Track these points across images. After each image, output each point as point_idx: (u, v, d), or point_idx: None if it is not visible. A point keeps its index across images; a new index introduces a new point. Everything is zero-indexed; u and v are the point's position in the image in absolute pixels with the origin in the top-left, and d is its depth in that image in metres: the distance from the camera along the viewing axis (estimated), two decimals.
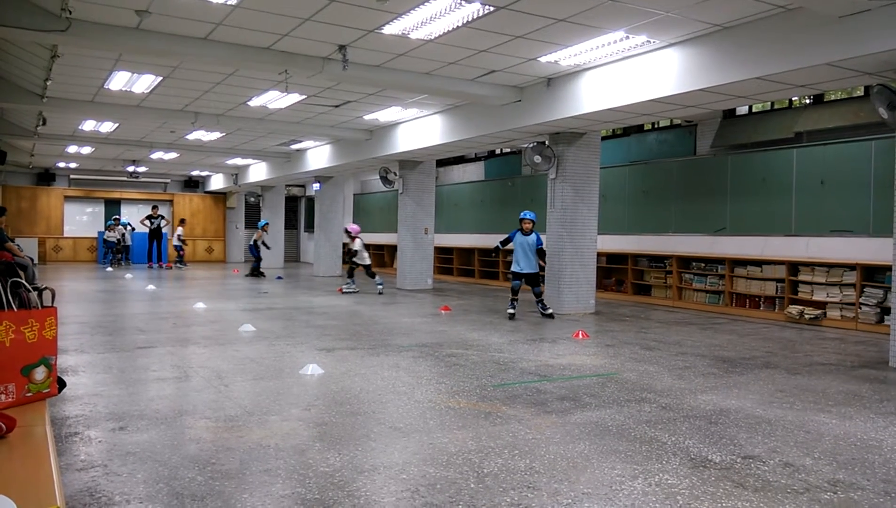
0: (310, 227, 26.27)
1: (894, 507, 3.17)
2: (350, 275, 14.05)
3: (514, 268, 10.23)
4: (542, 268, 10.19)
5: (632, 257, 13.09)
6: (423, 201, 15.34)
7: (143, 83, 10.72)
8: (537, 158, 10.89)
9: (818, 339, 8.53)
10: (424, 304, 12.04)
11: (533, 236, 10.06)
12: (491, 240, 16.99)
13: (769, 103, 12.47)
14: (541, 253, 10.09)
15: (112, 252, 22.29)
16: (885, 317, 8.98)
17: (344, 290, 13.77)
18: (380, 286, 13.86)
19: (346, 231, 14.21)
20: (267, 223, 19.75)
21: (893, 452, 3.98)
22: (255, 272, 18.26)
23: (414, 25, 7.50)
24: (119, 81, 10.55)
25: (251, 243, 18.86)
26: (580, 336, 8.28)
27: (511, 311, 10.03)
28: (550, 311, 10.10)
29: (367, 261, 13.95)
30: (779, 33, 6.84)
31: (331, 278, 18.12)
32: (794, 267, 10.31)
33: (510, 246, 10.55)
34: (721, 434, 4.28)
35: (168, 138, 16.78)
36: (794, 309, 10.08)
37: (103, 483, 3.33)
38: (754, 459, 3.82)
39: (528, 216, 10.14)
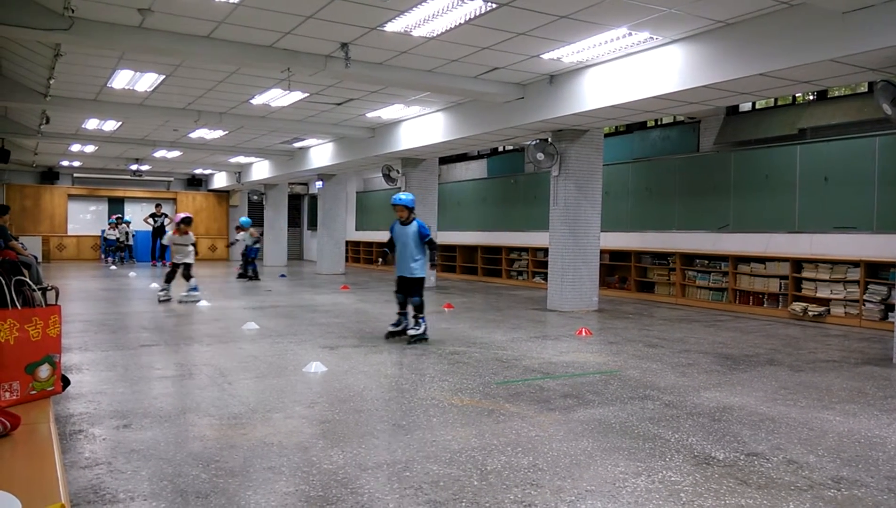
0: (313, 225, 26.30)
1: None
2: (169, 279, 11.45)
3: (396, 272, 7.77)
4: (433, 266, 7.66)
5: (635, 254, 13.07)
6: (425, 198, 15.32)
7: (146, 82, 10.73)
8: (540, 156, 10.88)
9: (822, 336, 8.51)
10: (427, 302, 12.01)
11: (414, 226, 7.51)
12: (494, 238, 17.01)
13: (772, 100, 12.44)
14: (430, 245, 7.56)
15: (113, 251, 22.35)
16: (889, 314, 8.96)
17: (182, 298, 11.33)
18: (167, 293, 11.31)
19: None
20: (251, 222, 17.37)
21: None
22: (250, 274, 16.45)
23: (416, 23, 7.50)
24: (122, 79, 10.55)
25: (248, 244, 16.61)
26: (583, 334, 8.28)
27: (393, 328, 7.67)
28: (421, 332, 7.52)
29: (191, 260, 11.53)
30: (782, 29, 6.82)
31: (334, 276, 18.13)
32: (797, 264, 10.29)
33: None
34: (724, 432, 4.28)
35: (171, 137, 16.79)
36: (797, 306, 10.06)
37: (107, 480, 3.34)
38: (758, 456, 3.81)
39: (400, 201, 7.53)
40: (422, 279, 7.55)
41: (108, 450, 3.78)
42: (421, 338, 7.46)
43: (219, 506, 3.05)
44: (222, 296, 12.62)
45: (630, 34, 7.75)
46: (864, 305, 9.33)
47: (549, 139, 11.09)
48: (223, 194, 27.24)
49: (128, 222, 23.26)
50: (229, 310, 10.38)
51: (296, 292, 13.79)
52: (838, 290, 9.72)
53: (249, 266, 16.67)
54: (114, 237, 22.43)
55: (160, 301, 11.11)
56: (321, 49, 8.58)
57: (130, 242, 22.99)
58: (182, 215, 11.97)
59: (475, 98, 11.09)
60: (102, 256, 22.78)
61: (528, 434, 4.16)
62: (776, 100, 12.47)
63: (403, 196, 7.55)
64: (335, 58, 8.74)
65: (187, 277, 11.36)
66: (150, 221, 21.96)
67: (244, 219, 17.23)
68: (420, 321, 7.53)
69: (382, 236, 22.78)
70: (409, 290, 7.54)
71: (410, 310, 7.61)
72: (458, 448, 3.88)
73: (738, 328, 9.08)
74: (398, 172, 15.52)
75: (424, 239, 7.47)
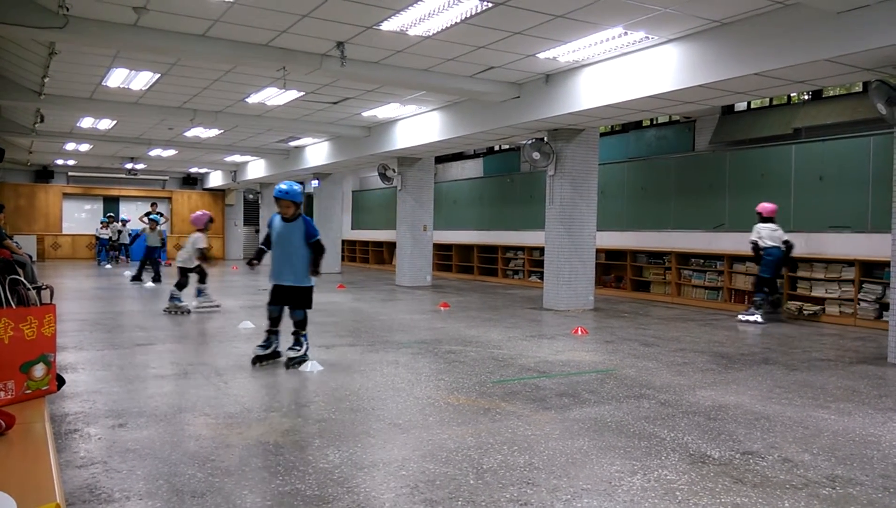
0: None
1: (893, 502, 3.18)
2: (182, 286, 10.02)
3: (270, 279, 6.23)
4: (315, 272, 6.14)
5: (631, 253, 13.09)
6: (421, 197, 15.34)
7: (141, 80, 10.70)
8: (536, 155, 10.89)
9: (817, 335, 8.54)
10: (423, 301, 12.05)
11: (300, 224, 6.10)
12: (490, 237, 17.02)
13: (768, 99, 12.47)
14: (315, 248, 6.12)
15: (106, 250, 22.30)
16: (884, 313, 8.99)
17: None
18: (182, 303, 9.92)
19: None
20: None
21: (892, 447, 3.99)
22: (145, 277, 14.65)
23: (412, 22, 7.49)
24: (117, 77, 10.53)
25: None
26: (579, 333, 8.29)
27: (261, 351, 6.20)
28: (302, 353, 6.14)
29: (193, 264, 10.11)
30: (777, 29, 6.83)
31: (330, 275, 18.11)
32: (792, 263, 10.31)
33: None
34: (720, 430, 4.29)
35: (166, 135, 16.75)
36: (792, 305, 10.09)
37: (103, 479, 3.33)
38: (753, 455, 3.82)
39: (285, 194, 6.02)
40: (310, 290, 6.19)
41: (104, 449, 3.77)
42: (302, 360, 6.08)
43: (214, 505, 3.04)
44: (217, 295, 12.60)
45: (625, 34, 7.76)
46: (859, 304, 9.36)
47: (545, 138, 11.10)
48: (218, 193, 27.20)
49: (124, 222, 23.18)
50: (224, 309, 10.36)
51: None
52: (833, 289, 9.75)
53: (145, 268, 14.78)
54: (106, 236, 22.36)
55: (181, 313, 9.67)
56: (317, 48, 8.57)
57: (126, 240, 22.92)
58: (202, 212, 10.29)
59: (471, 97, 11.08)
60: (98, 259, 22.70)
61: (525, 433, 4.16)
62: (771, 100, 12.51)
63: (285, 186, 6.05)
64: (331, 57, 8.73)
65: (202, 280, 10.16)
66: (146, 220, 21.90)
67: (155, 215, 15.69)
68: (301, 339, 6.17)
69: (379, 235, 22.83)
70: (293, 302, 6.14)
71: (282, 326, 6.27)
72: (454, 446, 3.89)
73: (733, 327, 9.10)
74: (394, 171, 15.51)
75: (311, 240, 6.07)
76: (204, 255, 9.84)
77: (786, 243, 9.63)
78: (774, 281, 9.83)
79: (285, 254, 6.09)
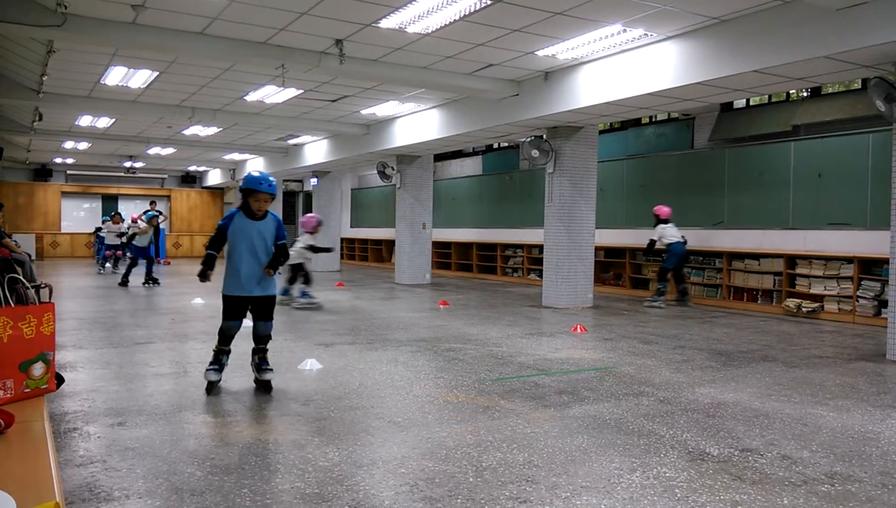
0: None
1: (892, 499, 3.18)
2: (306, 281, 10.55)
3: (230, 290, 5.15)
4: (272, 272, 5.13)
5: (630, 250, 13.09)
6: (420, 195, 15.33)
7: (140, 78, 10.69)
8: (535, 153, 10.88)
9: (816, 332, 8.55)
10: (423, 299, 12.05)
11: (270, 222, 5.15)
12: (489, 234, 17.02)
13: (766, 96, 12.47)
14: (280, 251, 5.16)
15: (105, 250, 22.23)
16: (883, 310, 8.99)
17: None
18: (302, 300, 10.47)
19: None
20: (155, 215, 15.27)
21: (891, 444, 4.00)
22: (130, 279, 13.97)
23: (411, 19, 7.48)
24: (115, 76, 10.51)
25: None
26: (578, 330, 8.29)
27: (217, 376, 5.15)
28: (268, 377, 5.22)
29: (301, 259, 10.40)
30: (776, 26, 6.83)
31: (329, 274, 18.10)
32: (791, 260, 10.32)
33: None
34: (719, 427, 4.29)
35: (165, 134, 16.74)
36: (791, 302, 10.10)
37: (102, 478, 3.33)
38: (752, 452, 3.83)
39: (269, 186, 4.99)
40: (274, 298, 5.28)
41: (103, 448, 3.77)
42: (266, 386, 5.20)
43: (214, 504, 3.04)
44: (216, 293, 12.58)
45: (624, 31, 7.75)
46: (858, 301, 9.37)
47: (544, 136, 11.09)
48: (217, 192, 27.18)
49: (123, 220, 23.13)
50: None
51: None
52: (832, 286, 9.76)
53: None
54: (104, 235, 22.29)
55: (315, 308, 10.18)
56: (315, 45, 8.56)
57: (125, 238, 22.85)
58: (312, 215, 10.90)
59: (470, 95, 11.08)
60: (100, 261, 22.64)
61: (524, 431, 4.17)
62: (770, 96, 12.50)
63: (259, 175, 5.01)
64: (329, 54, 8.73)
65: (307, 281, 10.49)
66: (143, 218, 21.86)
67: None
68: (266, 358, 5.29)
69: (378, 233, 22.79)
70: (263, 313, 5.17)
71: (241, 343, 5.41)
72: (453, 444, 3.89)
73: (732, 325, 9.11)
74: (393, 169, 15.51)
75: (280, 241, 5.15)
76: (315, 249, 10.39)
77: (684, 238, 11.20)
78: (681, 272, 11.29)
79: (254, 258, 5.03)
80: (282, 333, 7.88)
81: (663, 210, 11.20)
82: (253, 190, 4.97)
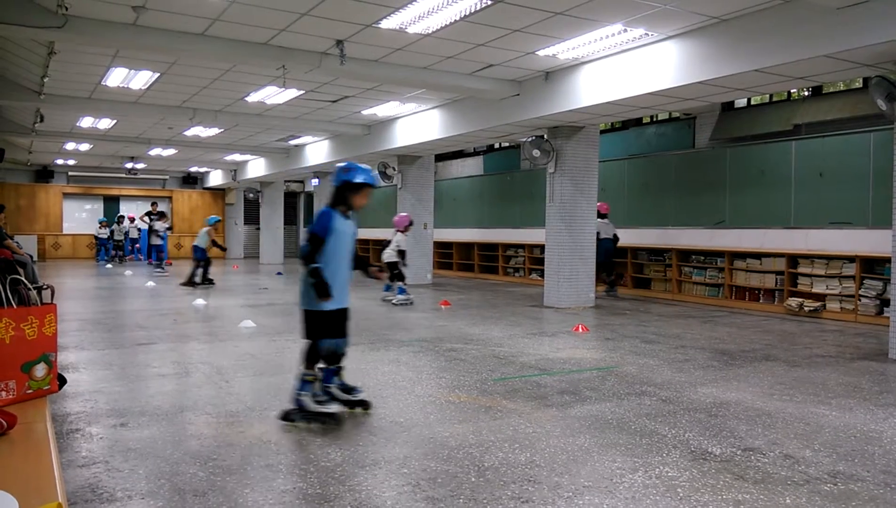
0: (309, 223, 26.24)
1: (894, 498, 3.18)
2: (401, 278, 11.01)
3: (329, 303, 4.30)
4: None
5: (631, 250, 13.09)
6: (422, 195, 15.33)
7: (141, 79, 10.69)
8: (536, 153, 10.88)
9: (818, 331, 8.54)
10: (424, 299, 12.05)
11: (354, 220, 4.52)
12: (491, 234, 17.01)
13: (767, 96, 12.45)
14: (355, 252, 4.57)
15: (106, 249, 22.44)
16: (885, 309, 8.98)
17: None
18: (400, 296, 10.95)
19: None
20: (219, 220, 15.29)
21: (893, 443, 3.99)
22: (198, 280, 13.95)
23: (411, 20, 7.48)
24: (116, 77, 10.52)
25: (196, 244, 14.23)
26: (580, 330, 8.29)
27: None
28: (363, 395, 4.69)
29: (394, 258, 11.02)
30: (777, 25, 6.82)
31: None
32: (793, 259, 10.31)
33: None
34: (721, 427, 4.29)
35: (166, 135, 16.75)
36: (793, 302, 10.09)
37: (105, 479, 3.33)
38: (754, 451, 3.82)
39: (374, 179, 4.50)
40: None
41: (105, 449, 3.78)
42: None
43: (216, 504, 3.04)
44: (219, 294, 12.60)
45: (625, 31, 7.75)
46: (860, 300, 9.35)
47: (545, 136, 11.09)
48: (219, 193, 27.18)
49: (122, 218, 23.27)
50: (225, 308, 10.37)
51: (292, 289, 13.76)
52: (834, 285, 9.75)
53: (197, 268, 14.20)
54: (104, 236, 22.48)
55: (409, 304, 10.81)
56: (316, 46, 8.56)
57: (132, 235, 23.10)
58: (404, 215, 11.38)
59: (471, 95, 11.08)
60: (103, 259, 22.79)
61: (526, 431, 4.17)
62: (771, 96, 12.48)
63: (369, 170, 4.48)
64: (330, 55, 8.73)
65: (401, 278, 10.94)
66: (146, 219, 21.90)
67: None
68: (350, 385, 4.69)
69: (379, 233, 22.84)
70: (346, 328, 4.52)
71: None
72: (455, 444, 3.89)
73: (734, 324, 9.10)
74: (394, 170, 15.51)
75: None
76: (404, 255, 10.92)
77: (615, 236, 12.23)
78: (610, 265, 12.22)
79: (347, 264, 4.45)
80: (282, 333, 7.89)
81: (602, 205, 11.89)
82: (367, 185, 4.35)
